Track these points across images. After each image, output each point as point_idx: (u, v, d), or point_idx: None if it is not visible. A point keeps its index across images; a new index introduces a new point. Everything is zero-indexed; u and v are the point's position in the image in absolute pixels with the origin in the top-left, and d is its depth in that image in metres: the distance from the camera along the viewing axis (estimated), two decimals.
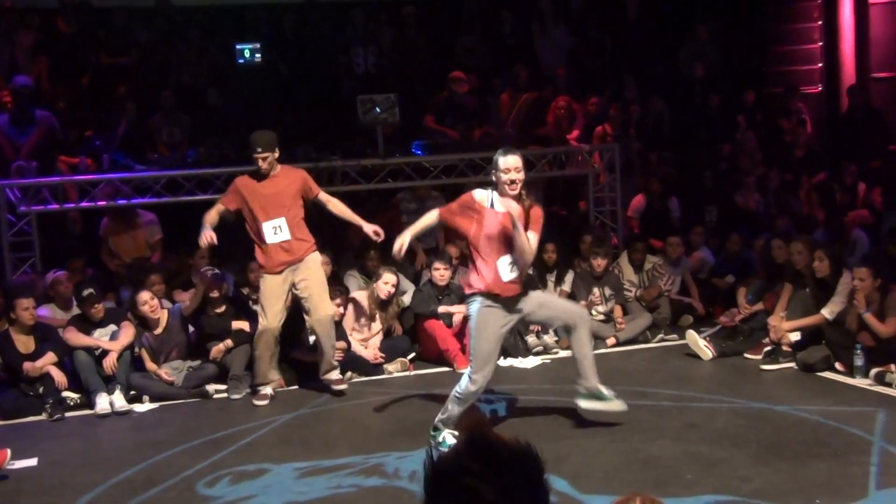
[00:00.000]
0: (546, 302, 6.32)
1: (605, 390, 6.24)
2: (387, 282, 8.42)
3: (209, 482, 5.74)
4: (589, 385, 6.21)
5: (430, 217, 6.16)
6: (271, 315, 7.35)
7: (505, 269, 5.85)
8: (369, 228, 7.36)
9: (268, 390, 7.54)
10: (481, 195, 5.96)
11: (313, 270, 7.43)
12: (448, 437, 6.07)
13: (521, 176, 5.84)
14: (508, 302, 5.94)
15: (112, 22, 11.62)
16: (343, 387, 7.63)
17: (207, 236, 7.25)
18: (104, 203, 9.09)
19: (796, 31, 13.32)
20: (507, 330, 6.12)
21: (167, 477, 5.87)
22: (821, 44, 13.25)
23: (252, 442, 6.56)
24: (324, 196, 7.59)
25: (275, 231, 7.32)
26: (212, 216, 7.42)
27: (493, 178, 5.95)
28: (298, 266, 7.37)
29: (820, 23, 13.22)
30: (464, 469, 1.50)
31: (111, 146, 9.91)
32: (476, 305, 5.92)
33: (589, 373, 6.21)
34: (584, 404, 6.26)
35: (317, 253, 7.50)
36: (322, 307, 7.44)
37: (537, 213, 5.92)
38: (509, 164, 5.82)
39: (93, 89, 11.02)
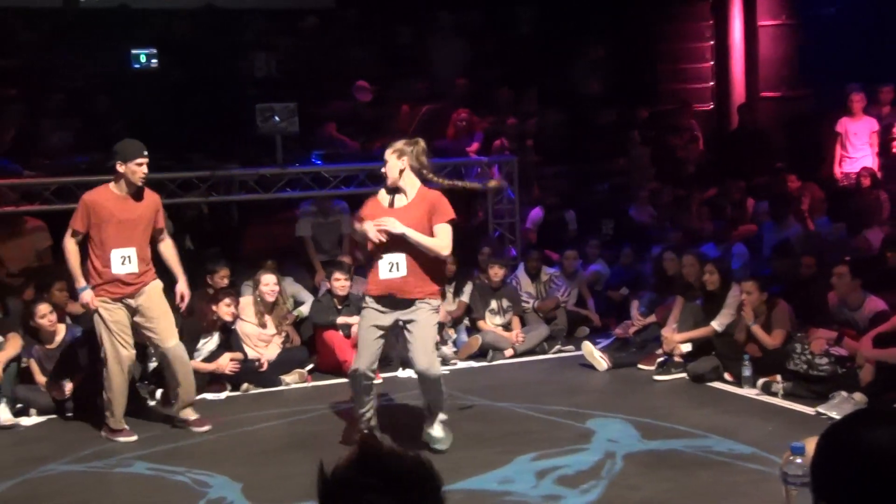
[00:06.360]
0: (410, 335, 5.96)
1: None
2: (266, 283, 8.32)
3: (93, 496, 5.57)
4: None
5: None
6: (130, 346, 6.56)
7: (384, 268, 5.87)
8: (180, 287, 6.74)
9: (133, 437, 6.68)
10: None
11: (155, 297, 6.61)
12: None
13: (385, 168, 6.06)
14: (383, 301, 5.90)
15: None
16: (206, 428, 6.79)
17: (92, 299, 6.45)
18: None
19: (688, 50, 13.68)
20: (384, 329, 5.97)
21: (49, 492, 5.69)
22: (712, 63, 13.64)
23: (141, 456, 6.39)
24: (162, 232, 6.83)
25: (123, 261, 6.44)
26: (76, 255, 6.51)
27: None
28: (140, 292, 6.56)
29: (711, 42, 13.61)
30: (361, 484, 1.48)
31: None
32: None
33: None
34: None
35: (158, 280, 6.70)
36: (172, 334, 6.66)
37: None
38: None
39: None
